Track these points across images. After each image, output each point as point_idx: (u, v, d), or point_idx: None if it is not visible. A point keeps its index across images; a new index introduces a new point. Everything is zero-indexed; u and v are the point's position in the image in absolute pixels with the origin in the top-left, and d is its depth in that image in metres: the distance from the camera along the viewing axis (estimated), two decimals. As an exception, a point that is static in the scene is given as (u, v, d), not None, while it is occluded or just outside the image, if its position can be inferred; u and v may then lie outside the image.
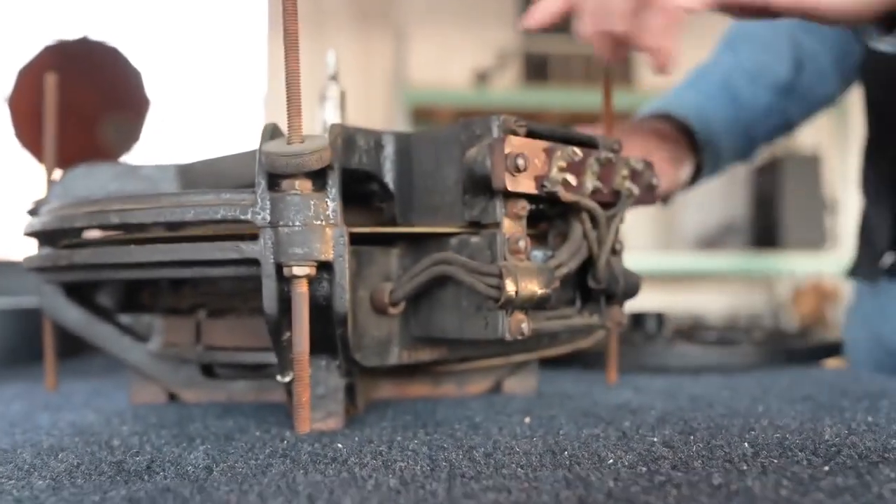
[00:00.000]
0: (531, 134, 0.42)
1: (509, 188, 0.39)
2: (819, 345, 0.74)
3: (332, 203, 0.38)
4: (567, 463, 0.33)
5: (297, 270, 0.38)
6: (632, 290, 0.47)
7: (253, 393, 0.52)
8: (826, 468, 0.31)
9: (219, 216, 0.39)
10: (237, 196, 0.39)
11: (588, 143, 0.47)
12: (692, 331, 0.87)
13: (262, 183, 0.38)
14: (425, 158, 0.44)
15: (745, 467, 0.32)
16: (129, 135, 3.23)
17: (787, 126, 0.89)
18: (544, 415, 0.45)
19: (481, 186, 0.41)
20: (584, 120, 2.64)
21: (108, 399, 0.54)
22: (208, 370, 0.53)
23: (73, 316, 0.53)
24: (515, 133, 0.41)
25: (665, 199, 0.76)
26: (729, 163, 0.86)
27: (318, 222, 0.38)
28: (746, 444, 0.36)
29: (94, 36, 3.44)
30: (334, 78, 0.55)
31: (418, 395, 0.54)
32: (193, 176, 0.54)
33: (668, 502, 0.27)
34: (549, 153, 0.41)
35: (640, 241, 4.32)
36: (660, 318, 0.81)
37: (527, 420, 0.43)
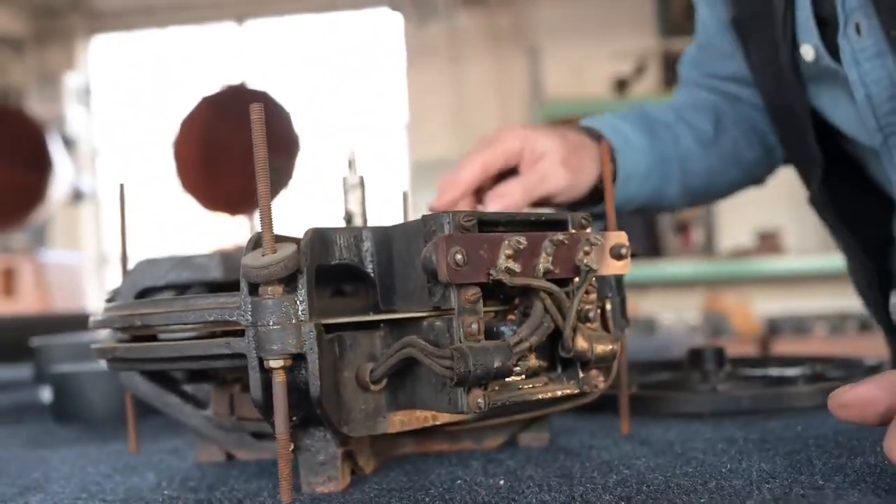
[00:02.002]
0: (486, 224, 0.47)
1: (453, 281, 0.44)
2: None
3: (301, 303, 0.45)
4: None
5: (273, 363, 0.44)
6: (604, 357, 0.50)
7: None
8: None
9: (212, 318, 0.46)
10: (228, 299, 0.46)
11: (555, 223, 0.50)
12: (761, 364, 0.87)
13: (244, 289, 0.45)
14: (401, 249, 0.50)
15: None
16: (282, 175, 3.46)
17: (717, 179, 0.94)
18: (524, 476, 0.49)
19: (435, 278, 0.46)
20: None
21: (179, 458, 0.63)
22: (257, 433, 0.60)
23: (145, 388, 0.62)
24: (465, 229, 0.46)
25: (573, 205, 0.78)
26: (655, 188, 0.88)
27: (291, 321, 0.44)
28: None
29: (248, 83, 3.71)
30: (352, 167, 0.62)
31: (437, 450, 0.59)
32: (234, 262, 0.62)
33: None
34: (494, 244, 0.46)
35: (806, 243, 4.13)
36: (719, 353, 0.81)
37: (501, 482, 0.48)
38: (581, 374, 0.51)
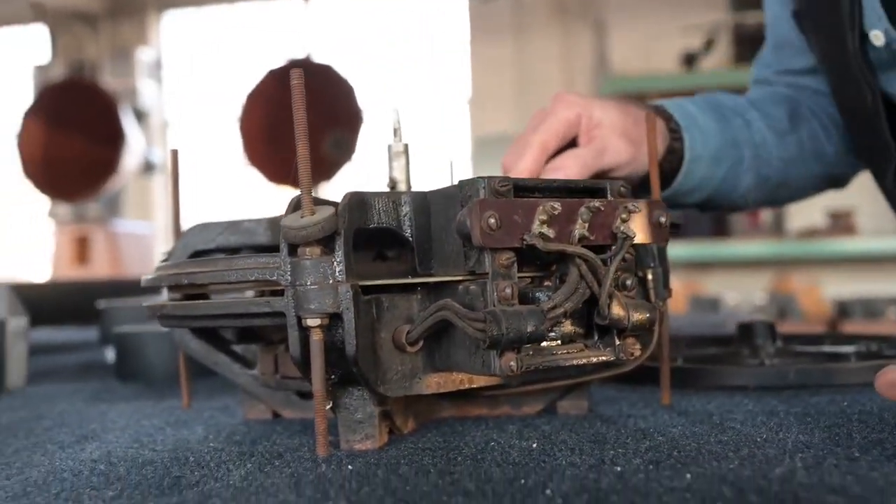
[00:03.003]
0: (522, 190, 0.47)
1: (486, 245, 0.45)
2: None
3: (339, 264, 0.46)
4: (502, 493, 0.38)
5: (310, 322, 0.46)
6: (641, 325, 0.50)
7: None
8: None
9: (253, 277, 0.48)
10: (268, 260, 0.48)
11: (594, 190, 0.50)
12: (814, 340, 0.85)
13: (284, 249, 0.47)
14: (438, 214, 0.50)
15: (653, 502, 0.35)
16: (346, 149, 3.50)
17: (795, 170, 0.89)
18: (557, 440, 0.50)
19: (470, 242, 0.46)
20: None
21: (228, 415, 0.65)
22: (301, 392, 0.62)
23: (195, 346, 0.64)
24: (500, 193, 0.46)
25: (638, 186, 0.74)
26: (726, 175, 0.84)
27: (328, 281, 0.46)
28: (688, 475, 0.39)
29: (313, 57, 3.74)
30: (397, 134, 0.63)
31: (476, 415, 0.60)
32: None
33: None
34: (529, 209, 0.46)
35: (880, 223, 4.00)
36: (770, 328, 0.80)
37: (534, 445, 0.48)
38: (617, 342, 0.51)
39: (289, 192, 3.70)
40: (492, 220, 0.44)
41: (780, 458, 0.42)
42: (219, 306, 0.50)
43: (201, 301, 0.51)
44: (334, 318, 0.46)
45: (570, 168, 0.69)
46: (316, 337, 0.46)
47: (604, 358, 0.50)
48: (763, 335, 0.79)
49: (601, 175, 0.72)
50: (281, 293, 0.48)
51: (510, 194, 0.47)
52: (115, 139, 3.70)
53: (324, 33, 4.71)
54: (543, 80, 4.28)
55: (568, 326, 0.50)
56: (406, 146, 0.64)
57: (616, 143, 0.72)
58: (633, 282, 0.51)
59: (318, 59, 3.75)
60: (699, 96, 0.87)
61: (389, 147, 0.64)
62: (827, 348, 0.80)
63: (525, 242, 0.46)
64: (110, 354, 1.12)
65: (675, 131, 0.79)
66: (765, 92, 0.94)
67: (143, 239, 4.40)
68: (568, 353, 0.50)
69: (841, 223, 4.18)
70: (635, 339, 0.51)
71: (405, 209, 0.51)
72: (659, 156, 0.76)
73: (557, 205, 0.46)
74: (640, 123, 0.73)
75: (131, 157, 3.83)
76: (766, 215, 4.33)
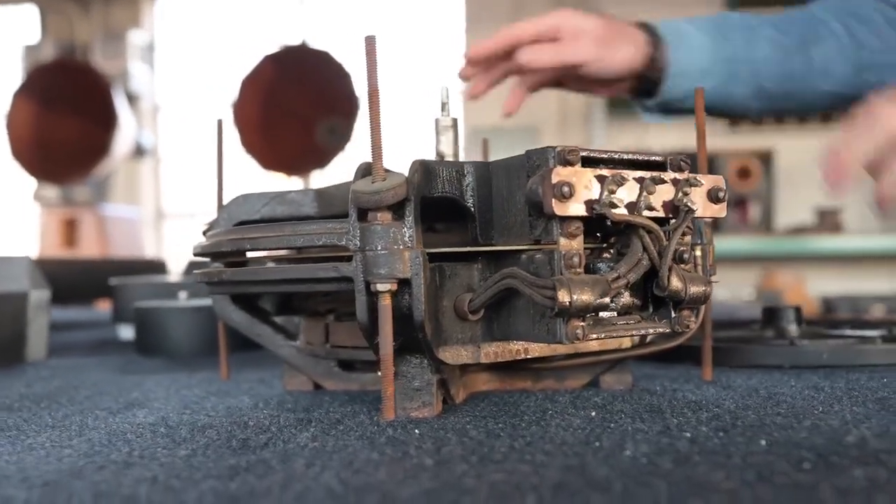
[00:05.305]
0: (592, 161, 0.48)
1: (558, 213, 0.45)
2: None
3: (408, 230, 0.46)
4: (585, 453, 0.39)
5: (380, 287, 0.46)
6: (697, 298, 0.51)
7: (380, 383, 0.62)
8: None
9: (321, 242, 0.48)
10: (336, 225, 0.48)
11: (654, 165, 0.51)
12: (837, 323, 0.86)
13: (353, 215, 0.47)
14: (500, 184, 0.51)
15: (736, 461, 0.36)
16: (342, 135, 3.48)
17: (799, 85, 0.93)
18: (614, 410, 0.50)
19: (539, 210, 0.47)
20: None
21: (267, 387, 0.65)
22: (344, 364, 0.62)
23: (238, 317, 0.64)
24: (569, 163, 0.47)
25: (606, 83, 0.90)
26: (717, 87, 0.91)
27: (398, 246, 0.46)
28: (763, 442, 0.39)
29: (310, 41, 3.72)
30: (445, 109, 0.63)
31: (521, 388, 0.60)
32: (328, 198, 0.63)
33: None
34: (599, 179, 0.46)
35: (866, 222, 4.04)
36: (797, 312, 0.81)
37: (593, 414, 0.49)
38: (673, 314, 0.52)
39: (282, 180, 3.69)
40: (565, 189, 0.45)
41: (845, 427, 0.43)
42: (283, 271, 0.50)
43: (264, 266, 0.51)
44: (401, 284, 0.47)
45: (543, 52, 0.84)
46: (385, 302, 0.46)
47: (661, 329, 0.51)
48: (789, 318, 0.80)
49: (570, 71, 0.87)
50: (318, 259, 0.48)
51: (579, 164, 0.47)
52: (107, 122, 3.66)
53: (319, 19, 4.69)
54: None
55: (626, 298, 0.50)
56: (455, 120, 0.64)
57: (587, 44, 0.85)
58: (690, 255, 0.52)
59: (315, 44, 3.73)
60: (707, 16, 0.94)
61: (437, 121, 0.64)
62: (850, 332, 0.82)
63: (595, 212, 0.46)
64: (125, 332, 1.12)
65: (655, 45, 0.88)
66: (804, 11, 0.97)
67: (130, 223, 4.37)
68: (626, 324, 0.50)
69: (828, 221, 4.22)
70: (690, 312, 0.52)
71: (468, 179, 0.51)
72: (636, 63, 0.88)
73: (627, 174, 0.47)
74: (617, 33, 0.86)
75: (122, 140, 3.79)
76: (754, 213, 4.36)
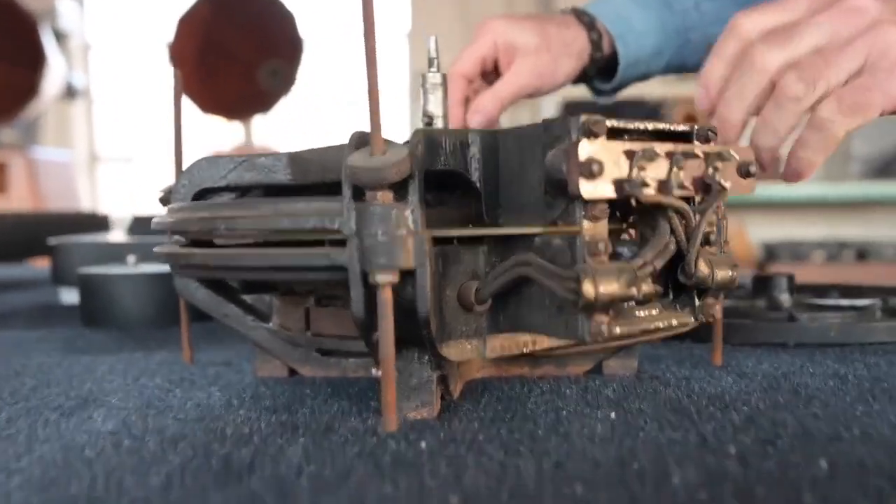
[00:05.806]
0: (614, 132, 0.42)
1: (585, 195, 0.40)
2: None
3: (412, 212, 0.40)
4: (629, 480, 0.34)
5: (380, 278, 0.40)
6: (724, 284, 0.46)
7: (363, 369, 0.56)
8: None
9: (310, 225, 0.41)
10: (326, 205, 0.41)
11: (679, 135, 0.46)
12: (828, 294, 0.83)
13: (348, 193, 0.40)
14: (510, 157, 0.45)
15: (808, 500, 0.31)
16: (285, 79, 3.36)
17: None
18: (633, 408, 0.46)
19: (560, 189, 0.41)
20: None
21: (236, 372, 0.59)
22: (323, 349, 0.56)
23: (202, 296, 0.57)
24: (595, 134, 0.41)
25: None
26: (671, 60, 0.89)
27: (400, 232, 0.40)
28: (823, 463, 0.35)
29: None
30: (433, 64, 0.56)
31: (517, 375, 0.55)
32: (304, 164, 0.57)
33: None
34: (629, 155, 0.41)
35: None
36: (790, 281, 0.78)
37: (612, 415, 0.44)
38: (697, 303, 0.47)
39: (221, 123, 3.54)
40: (594, 167, 0.39)
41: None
42: (267, 258, 0.43)
43: (247, 250, 0.45)
44: (404, 274, 0.41)
45: (487, 106, 0.78)
46: (385, 296, 0.40)
47: (686, 321, 0.46)
48: (781, 288, 0.77)
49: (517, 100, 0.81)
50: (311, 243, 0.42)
51: (604, 136, 0.41)
52: (34, 61, 3.46)
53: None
54: (485, 13, 4.17)
55: (649, 285, 0.45)
56: (444, 77, 0.57)
57: (524, 72, 0.79)
58: (716, 237, 0.47)
59: (255, -18, 3.56)
60: None
61: (425, 78, 0.57)
62: (844, 301, 0.78)
63: (625, 193, 0.41)
64: (67, 296, 1.03)
65: (597, 44, 0.84)
66: None
67: (63, 167, 4.17)
68: (649, 315, 0.45)
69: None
70: (715, 299, 0.47)
71: (473, 150, 0.45)
72: (579, 71, 0.83)
73: (659, 149, 0.41)
74: (554, 48, 0.80)
75: (51, 80, 3.59)
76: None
